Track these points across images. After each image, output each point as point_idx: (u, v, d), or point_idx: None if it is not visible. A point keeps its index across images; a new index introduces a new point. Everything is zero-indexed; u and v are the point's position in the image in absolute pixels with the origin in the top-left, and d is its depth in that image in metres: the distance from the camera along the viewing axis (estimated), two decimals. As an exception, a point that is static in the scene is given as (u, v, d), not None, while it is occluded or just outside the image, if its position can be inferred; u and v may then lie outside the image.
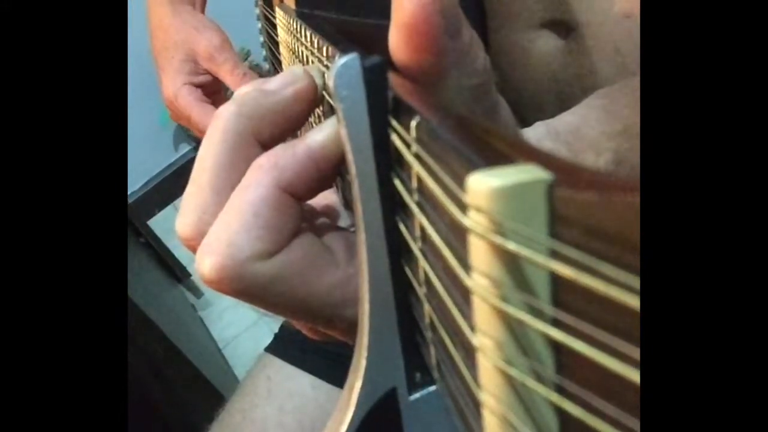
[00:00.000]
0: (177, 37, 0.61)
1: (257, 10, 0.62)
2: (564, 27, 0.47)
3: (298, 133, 0.26)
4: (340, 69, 0.19)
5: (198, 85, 0.61)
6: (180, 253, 1.60)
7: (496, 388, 0.13)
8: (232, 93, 0.30)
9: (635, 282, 0.09)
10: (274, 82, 0.24)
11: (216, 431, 0.64)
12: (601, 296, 0.10)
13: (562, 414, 0.12)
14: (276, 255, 0.22)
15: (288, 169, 0.22)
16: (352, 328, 0.22)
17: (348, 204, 0.27)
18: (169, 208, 1.93)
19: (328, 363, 0.63)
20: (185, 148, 1.99)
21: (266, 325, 1.53)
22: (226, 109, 0.24)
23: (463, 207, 0.13)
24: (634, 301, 0.09)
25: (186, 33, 0.60)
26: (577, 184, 0.11)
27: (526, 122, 0.37)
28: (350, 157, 0.20)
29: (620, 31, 0.43)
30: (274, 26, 0.50)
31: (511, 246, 0.12)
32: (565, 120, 0.36)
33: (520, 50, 0.49)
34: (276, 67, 0.56)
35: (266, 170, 0.22)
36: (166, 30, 0.61)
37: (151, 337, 1.02)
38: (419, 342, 0.21)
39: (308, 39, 0.31)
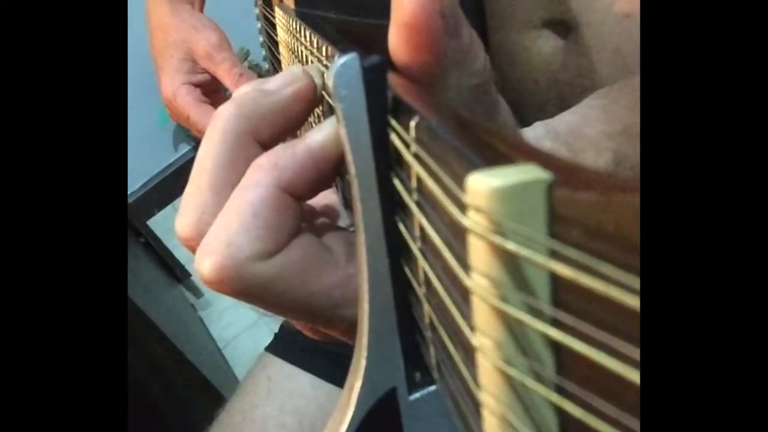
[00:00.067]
0: (176, 36, 0.61)
1: (257, 10, 0.62)
2: (564, 27, 0.47)
3: (298, 133, 0.26)
4: (340, 69, 0.19)
5: (197, 85, 0.61)
6: (180, 253, 1.60)
7: (495, 388, 0.13)
8: (231, 93, 0.30)
9: (635, 282, 0.09)
10: (273, 82, 0.24)
11: (216, 431, 0.64)
12: (601, 296, 0.10)
13: (561, 414, 0.12)
14: (276, 255, 0.22)
15: (288, 169, 0.22)
16: (352, 328, 0.22)
17: (348, 204, 0.27)
18: (168, 208, 1.93)
19: (328, 363, 0.63)
20: (185, 148, 1.99)
21: (266, 325, 1.53)
22: (226, 109, 0.24)
23: (462, 207, 0.13)
24: (634, 301, 0.09)
25: (185, 32, 0.60)
26: (577, 184, 0.11)
27: (526, 122, 0.37)
28: (350, 156, 0.20)
29: (620, 31, 0.43)
30: (273, 26, 0.50)
31: (511, 246, 0.12)
32: (565, 120, 0.36)
33: (520, 50, 0.49)
34: (275, 67, 0.56)
35: (266, 170, 0.22)
36: (165, 29, 0.61)
37: (151, 337, 1.03)
38: (419, 342, 0.21)
39: (308, 39, 0.31)
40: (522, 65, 0.49)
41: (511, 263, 0.12)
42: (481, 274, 0.13)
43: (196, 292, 1.63)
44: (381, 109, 0.19)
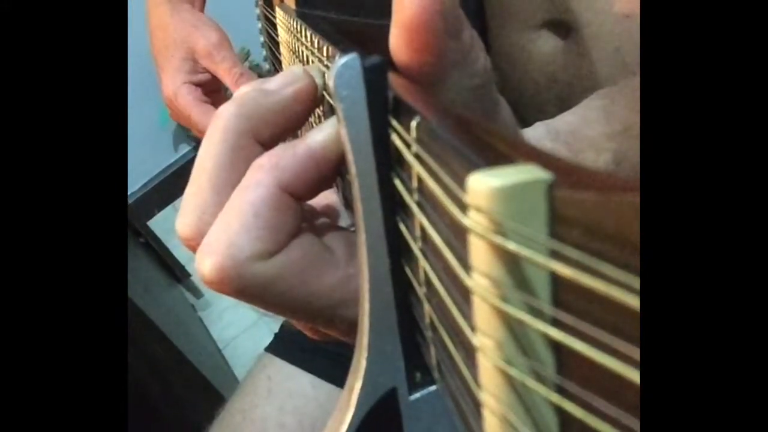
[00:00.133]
0: (176, 35, 0.61)
1: (257, 10, 0.62)
2: (564, 27, 0.47)
3: (299, 133, 0.26)
4: (341, 69, 0.19)
5: (197, 84, 0.61)
6: (180, 253, 1.60)
7: (496, 388, 0.13)
8: (232, 92, 0.30)
9: (635, 282, 0.09)
10: (274, 82, 0.24)
11: (216, 431, 0.64)
12: (601, 296, 0.10)
13: (562, 414, 0.12)
14: (276, 255, 0.22)
15: (288, 169, 0.22)
16: (352, 328, 0.22)
17: (348, 204, 0.27)
18: (168, 209, 1.93)
19: (328, 363, 0.63)
20: (185, 148, 1.99)
21: (266, 325, 1.53)
22: (226, 109, 0.24)
23: (463, 207, 0.13)
24: (634, 301, 0.09)
25: (185, 31, 0.60)
26: (577, 184, 0.11)
27: (526, 122, 0.37)
28: (350, 156, 0.20)
29: (620, 31, 0.43)
30: (274, 26, 0.50)
31: (511, 246, 0.12)
32: (565, 120, 0.37)
33: (520, 50, 0.49)
34: (276, 67, 0.56)
35: (267, 170, 0.22)
36: (166, 29, 0.61)
37: (151, 337, 1.02)
38: (419, 342, 0.21)
39: (308, 39, 0.31)
40: (522, 65, 0.49)
41: (511, 263, 0.12)
42: (481, 274, 0.13)
43: (196, 293, 1.63)
44: (382, 109, 0.19)
